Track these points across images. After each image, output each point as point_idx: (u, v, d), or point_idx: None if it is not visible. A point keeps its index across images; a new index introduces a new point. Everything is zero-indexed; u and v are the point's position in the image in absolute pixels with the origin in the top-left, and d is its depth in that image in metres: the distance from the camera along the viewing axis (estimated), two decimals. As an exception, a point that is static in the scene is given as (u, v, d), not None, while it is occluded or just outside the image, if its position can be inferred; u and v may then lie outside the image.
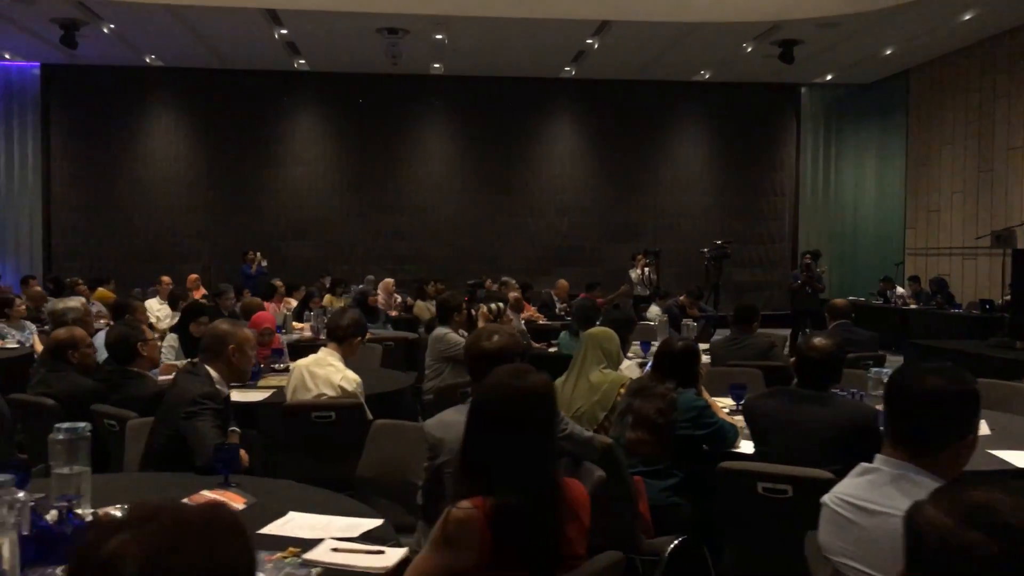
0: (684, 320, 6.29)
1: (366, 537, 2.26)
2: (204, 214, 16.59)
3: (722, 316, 9.23)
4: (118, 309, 5.14)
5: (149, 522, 0.92)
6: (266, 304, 8.57)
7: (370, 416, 3.78)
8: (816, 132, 17.38)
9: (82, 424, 2.35)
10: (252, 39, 14.03)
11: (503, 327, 2.87)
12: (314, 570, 2.03)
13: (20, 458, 2.42)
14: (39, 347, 6.39)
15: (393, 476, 3.21)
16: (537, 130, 17.12)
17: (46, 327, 7.48)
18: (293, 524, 2.37)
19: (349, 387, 3.79)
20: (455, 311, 5.10)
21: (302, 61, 15.60)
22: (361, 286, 10.07)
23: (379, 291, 11.70)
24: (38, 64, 15.90)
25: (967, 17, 12.26)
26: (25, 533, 1.92)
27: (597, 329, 3.82)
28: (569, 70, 16.08)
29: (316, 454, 3.68)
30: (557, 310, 10.27)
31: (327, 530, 2.31)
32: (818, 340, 3.15)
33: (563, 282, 10.63)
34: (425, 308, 10.53)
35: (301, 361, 3.95)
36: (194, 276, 12.86)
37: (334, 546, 2.16)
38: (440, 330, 5.02)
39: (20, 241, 16.15)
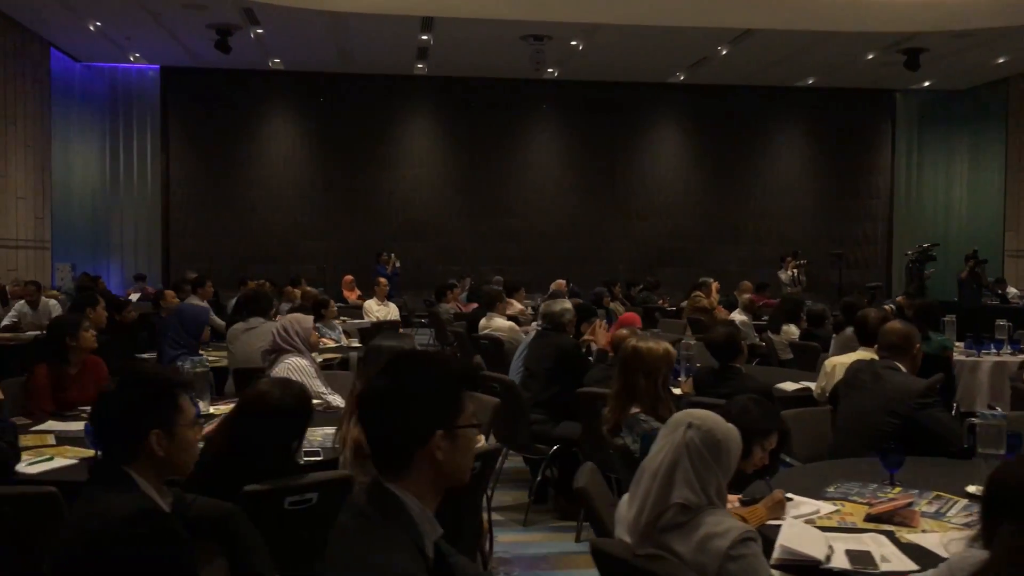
0: (998, 321, 6.71)
1: None
2: (319, 215, 16.81)
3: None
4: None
5: None
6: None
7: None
8: (910, 136, 17.96)
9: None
10: (389, 44, 14.28)
11: None
12: None
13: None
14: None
15: None
16: (642, 133, 17.53)
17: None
18: None
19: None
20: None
21: (420, 65, 15.86)
22: (597, 289, 10.38)
23: (552, 290, 12.08)
24: (157, 67, 16.00)
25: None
26: None
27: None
28: (679, 75, 16.49)
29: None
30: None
31: None
32: None
33: (747, 283, 11.03)
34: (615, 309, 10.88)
35: (838, 358, 4.31)
36: (349, 277, 13.17)
37: None
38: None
39: (139, 241, 16.26)
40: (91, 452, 3.16)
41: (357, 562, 1.39)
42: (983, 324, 10.89)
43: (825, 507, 2.57)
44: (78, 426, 3.66)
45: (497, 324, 7.15)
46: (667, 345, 3.25)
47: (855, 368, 3.59)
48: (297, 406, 2.65)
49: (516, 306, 9.64)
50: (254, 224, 16.58)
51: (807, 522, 2.44)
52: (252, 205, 16.63)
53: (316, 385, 4.48)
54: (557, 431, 4.83)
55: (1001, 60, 14.93)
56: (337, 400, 4.51)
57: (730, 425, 2.00)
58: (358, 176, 16.87)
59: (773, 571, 2.01)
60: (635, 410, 3.15)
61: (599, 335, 5.23)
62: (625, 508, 2.06)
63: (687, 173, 17.71)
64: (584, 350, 5.40)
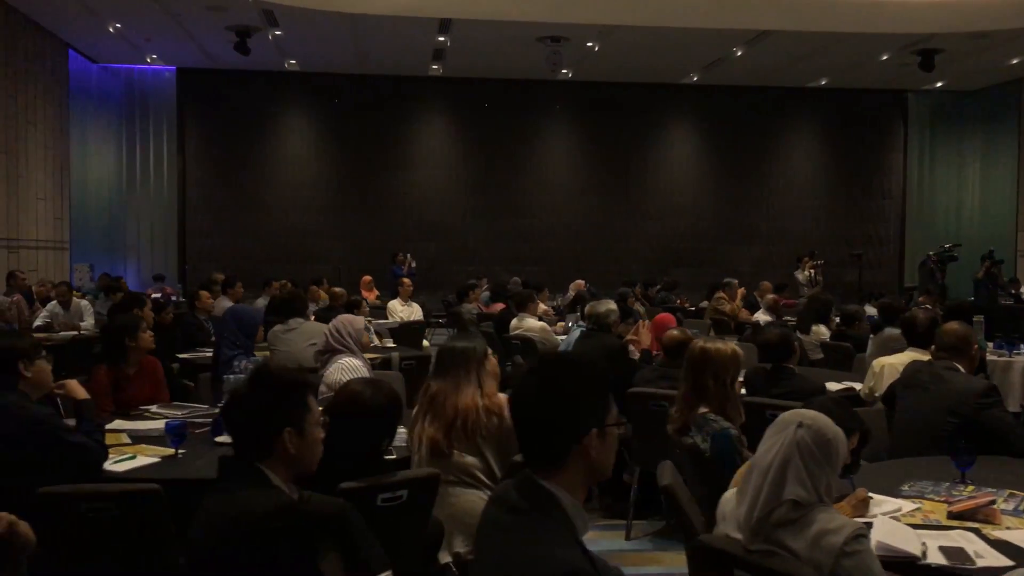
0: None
1: None
2: (333, 215, 16.89)
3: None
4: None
5: None
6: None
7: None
8: (922, 137, 18.02)
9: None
10: (405, 46, 14.33)
11: None
12: None
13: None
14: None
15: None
16: (655, 133, 17.62)
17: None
18: None
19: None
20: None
21: (435, 66, 15.92)
22: (621, 290, 10.45)
23: (571, 291, 12.14)
24: (174, 68, 16.06)
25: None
26: None
27: None
28: (693, 76, 16.54)
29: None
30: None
31: None
32: None
33: (767, 284, 11.10)
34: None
35: (886, 359, 4.36)
36: (367, 278, 13.22)
37: None
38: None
39: (154, 242, 16.33)
40: (171, 451, 3.22)
41: (524, 556, 1.45)
42: (999, 324, 10.97)
43: (906, 505, 2.63)
44: (147, 425, 3.73)
45: (529, 324, 7.21)
46: (735, 346, 3.32)
47: (914, 369, 3.65)
48: (388, 405, 2.72)
49: (540, 306, 9.68)
50: (269, 224, 16.66)
51: (892, 519, 2.50)
52: (267, 205, 16.71)
53: (369, 385, 4.54)
54: (603, 431, 4.87)
55: (1015, 61, 14.98)
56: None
57: (836, 426, 2.06)
58: (372, 177, 16.96)
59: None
60: (703, 410, 3.22)
61: (643, 336, 5.29)
62: (730, 504, 2.13)
63: (700, 173, 17.77)
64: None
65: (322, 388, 4.59)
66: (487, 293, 12.35)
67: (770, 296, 9.16)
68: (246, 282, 13.03)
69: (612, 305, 5.14)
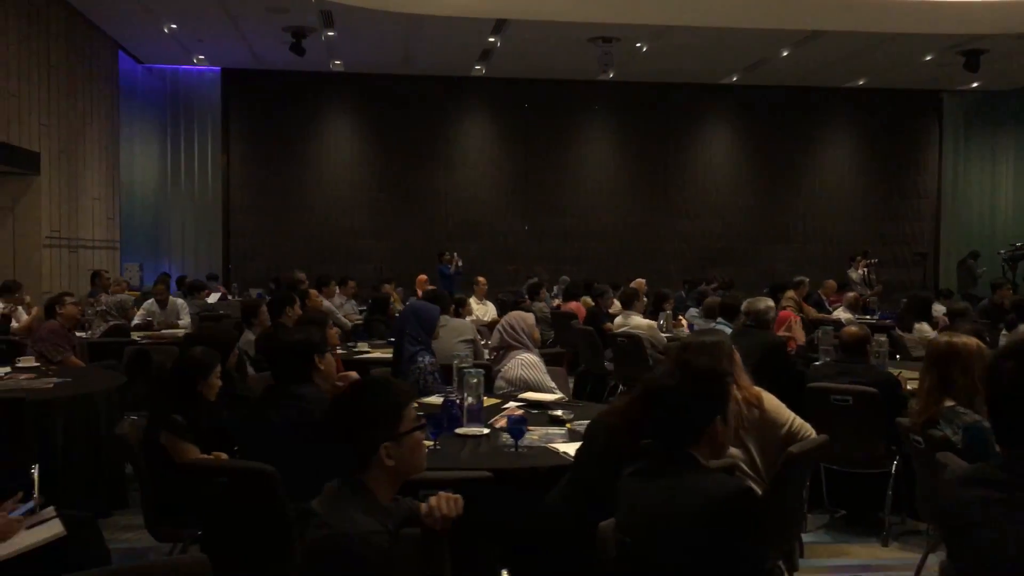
0: None
1: None
2: (376, 215, 16.93)
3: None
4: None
5: None
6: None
7: None
8: (956, 136, 18.16)
9: None
10: (455, 46, 14.38)
11: None
12: None
13: None
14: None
15: None
16: (694, 133, 17.71)
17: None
18: None
19: None
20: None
21: (478, 67, 15.97)
22: (700, 288, 10.51)
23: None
24: (218, 68, 16.07)
25: None
26: None
27: None
28: (733, 76, 16.62)
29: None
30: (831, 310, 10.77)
31: None
32: None
33: (832, 282, 11.20)
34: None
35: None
36: (423, 277, 13.24)
37: None
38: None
39: (199, 241, 16.35)
40: (430, 442, 3.26)
41: None
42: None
43: None
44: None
45: (636, 322, 7.27)
46: (978, 340, 3.39)
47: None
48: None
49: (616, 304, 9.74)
50: (312, 224, 16.69)
51: None
52: (310, 205, 16.75)
53: (546, 380, 4.60)
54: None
55: (1055, 61, 15.12)
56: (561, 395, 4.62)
57: None
58: (413, 176, 17.01)
59: None
60: (950, 403, 3.28)
61: (797, 333, 5.37)
62: None
63: (737, 173, 17.88)
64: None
65: (500, 383, 4.66)
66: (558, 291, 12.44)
67: (851, 294, 9.27)
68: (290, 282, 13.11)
69: (770, 302, 5.21)
